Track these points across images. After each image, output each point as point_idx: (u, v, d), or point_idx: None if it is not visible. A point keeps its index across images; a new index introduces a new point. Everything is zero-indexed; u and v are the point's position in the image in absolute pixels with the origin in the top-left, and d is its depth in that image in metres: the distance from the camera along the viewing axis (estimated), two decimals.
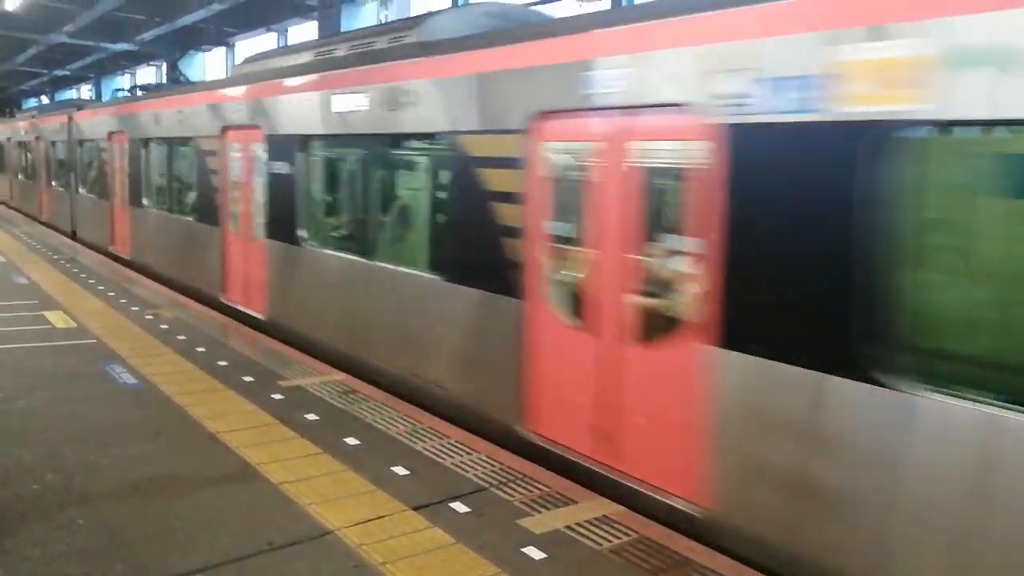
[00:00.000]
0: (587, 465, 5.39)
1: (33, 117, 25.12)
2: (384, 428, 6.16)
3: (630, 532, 4.54)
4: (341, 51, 8.60)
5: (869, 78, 3.75)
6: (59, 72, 38.64)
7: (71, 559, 4.08)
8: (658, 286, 5.02)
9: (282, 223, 9.12)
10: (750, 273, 4.33)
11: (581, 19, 6.15)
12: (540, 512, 4.77)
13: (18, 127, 27.09)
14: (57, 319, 9.63)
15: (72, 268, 13.89)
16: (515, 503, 4.88)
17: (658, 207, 5.17)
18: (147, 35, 27.03)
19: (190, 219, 12.08)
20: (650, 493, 4.94)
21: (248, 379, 7.37)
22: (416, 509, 4.76)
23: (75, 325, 9.35)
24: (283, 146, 9.04)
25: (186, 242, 12.31)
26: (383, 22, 17.30)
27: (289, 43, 25.45)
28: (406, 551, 4.24)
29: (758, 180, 4.26)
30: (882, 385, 3.73)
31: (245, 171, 10.19)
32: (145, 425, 6.07)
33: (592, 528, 4.57)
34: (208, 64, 30.97)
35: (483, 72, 6.25)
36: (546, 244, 5.76)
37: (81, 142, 18.53)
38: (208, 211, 11.32)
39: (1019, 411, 3.35)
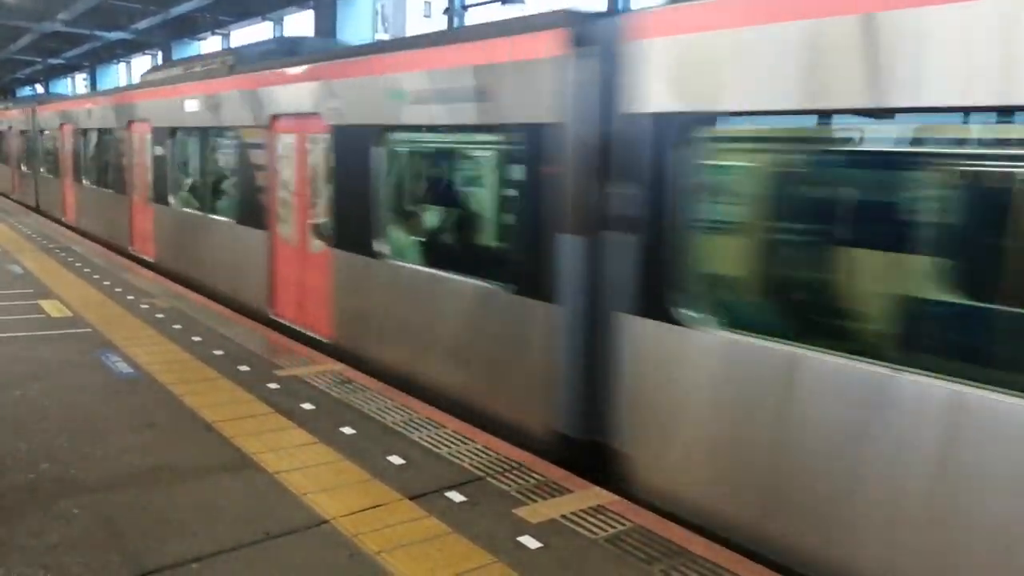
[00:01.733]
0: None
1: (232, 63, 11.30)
2: (380, 418, 6.17)
3: (625, 521, 4.55)
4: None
5: None
6: (54, 60, 38.47)
7: (67, 549, 4.07)
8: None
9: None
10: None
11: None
12: (536, 501, 4.78)
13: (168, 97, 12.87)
14: (52, 308, 9.61)
15: (68, 257, 13.85)
16: (511, 492, 4.89)
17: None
18: (142, 23, 26.93)
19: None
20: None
21: (244, 368, 7.37)
22: (412, 498, 4.76)
23: (70, 314, 9.33)
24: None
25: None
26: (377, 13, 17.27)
27: (285, 34, 25.34)
28: (401, 540, 4.25)
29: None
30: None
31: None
32: (141, 414, 6.06)
33: (587, 517, 4.59)
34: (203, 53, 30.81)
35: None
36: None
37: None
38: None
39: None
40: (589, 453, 5.50)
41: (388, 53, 7.54)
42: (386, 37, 18.25)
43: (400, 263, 7.33)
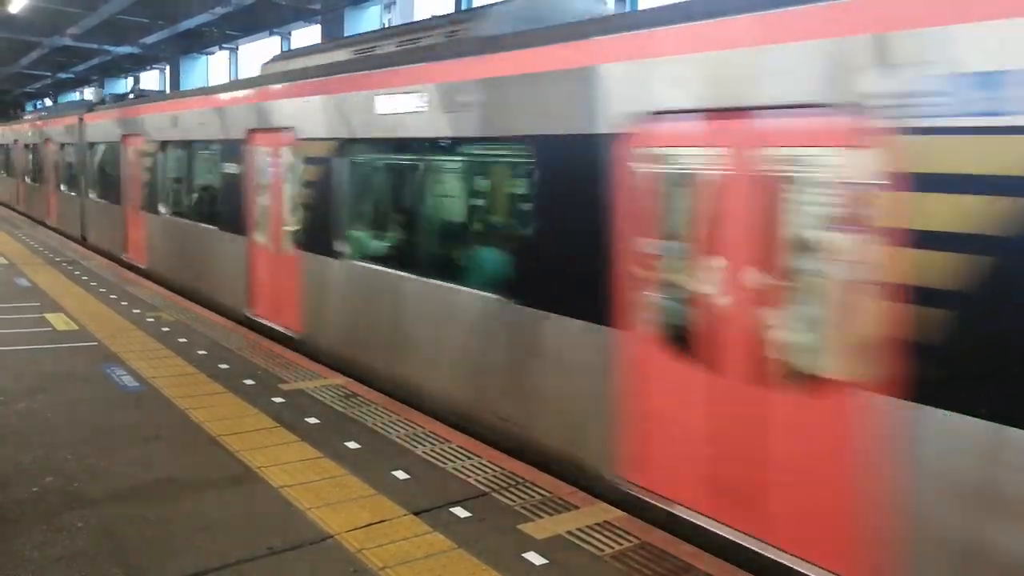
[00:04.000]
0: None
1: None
2: (384, 432, 6.15)
3: (632, 538, 4.51)
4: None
5: None
6: (62, 75, 38.76)
7: (70, 562, 4.06)
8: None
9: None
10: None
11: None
12: (541, 517, 4.75)
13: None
14: (58, 321, 9.62)
15: (74, 271, 13.89)
16: (516, 508, 4.86)
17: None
18: (150, 38, 27.11)
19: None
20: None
21: (249, 382, 7.36)
22: (416, 514, 4.74)
23: (76, 327, 9.34)
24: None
25: None
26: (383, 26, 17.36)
27: (292, 47, 25.48)
28: (406, 556, 4.23)
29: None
30: None
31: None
32: (146, 428, 6.06)
33: (594, 534, 4.55)
34: (211, 68, 31.00)
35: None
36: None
37: None
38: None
39: None
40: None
41: None
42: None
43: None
